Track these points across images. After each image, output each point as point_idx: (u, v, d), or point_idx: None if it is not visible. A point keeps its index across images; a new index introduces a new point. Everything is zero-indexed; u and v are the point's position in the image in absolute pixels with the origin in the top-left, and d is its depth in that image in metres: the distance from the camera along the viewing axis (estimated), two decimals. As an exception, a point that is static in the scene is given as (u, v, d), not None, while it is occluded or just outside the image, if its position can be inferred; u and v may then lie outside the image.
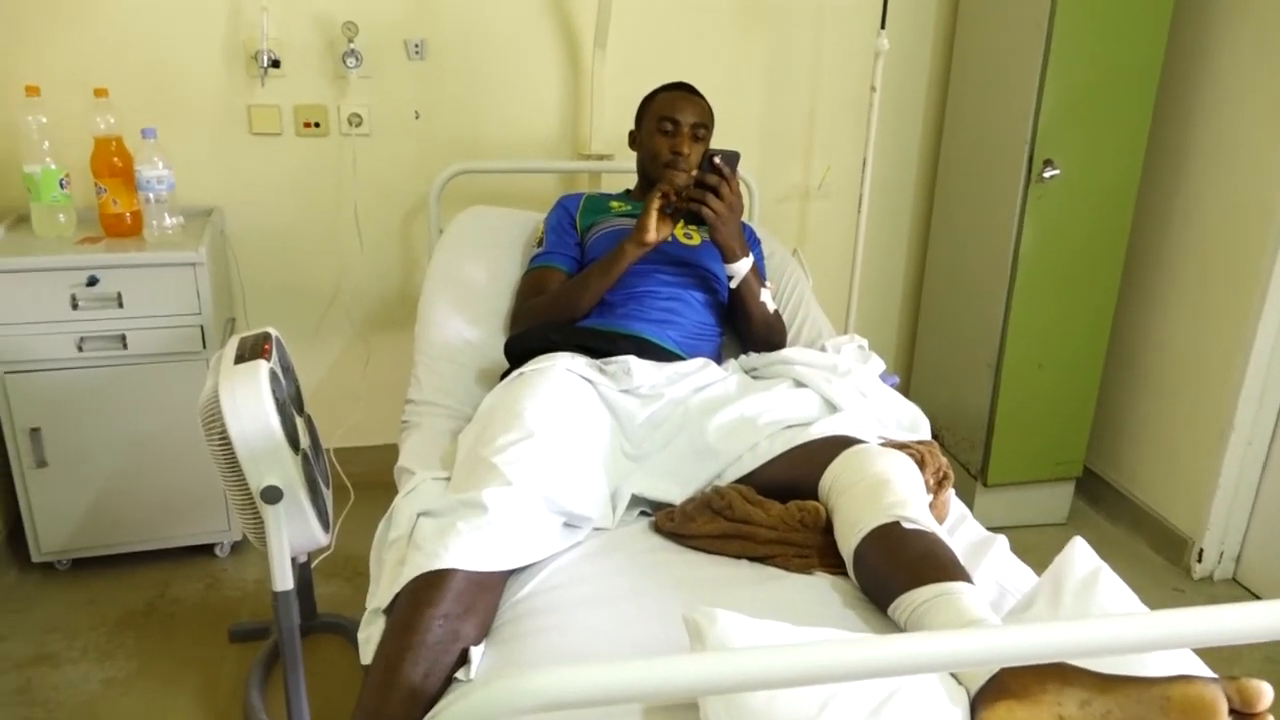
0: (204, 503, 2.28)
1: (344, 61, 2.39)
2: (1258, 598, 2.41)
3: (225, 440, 1.47)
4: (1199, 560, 2.49)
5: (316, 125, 2.47)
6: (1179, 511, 2.56)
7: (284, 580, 1.56)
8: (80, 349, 2.09)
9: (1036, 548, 1.96)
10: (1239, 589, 2.48)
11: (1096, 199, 2.45)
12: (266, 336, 1.65)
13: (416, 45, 2.46)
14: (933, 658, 0.75)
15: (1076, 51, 2.31)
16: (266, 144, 2.46)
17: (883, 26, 2.45)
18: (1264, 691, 0.97)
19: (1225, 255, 2.39)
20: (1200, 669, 1.11)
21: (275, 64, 2.36)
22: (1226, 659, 2.18)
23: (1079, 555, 1.26)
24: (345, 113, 2.47)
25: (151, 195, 2.14)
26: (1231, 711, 0.97)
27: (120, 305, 2.08)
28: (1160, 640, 0.80)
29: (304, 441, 1.66)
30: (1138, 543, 2.68)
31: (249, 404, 1.47)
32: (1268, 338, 2.29)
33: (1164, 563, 2.58)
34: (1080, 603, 1.18)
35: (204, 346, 2.16)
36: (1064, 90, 2.33)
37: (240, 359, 1.55)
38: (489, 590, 1.29)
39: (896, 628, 1.24)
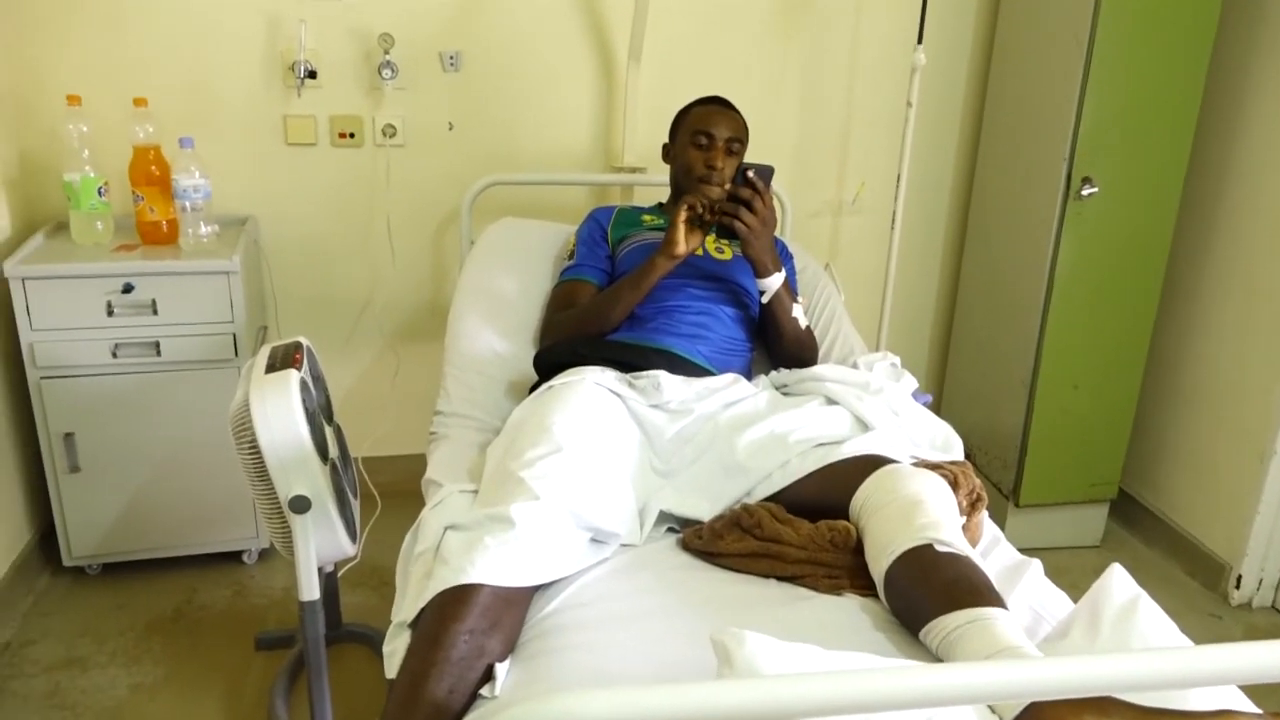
0: (233, 510, 2.29)
1: (380, 73, 2.40)
2: (1299, 627, 2.35)
3: (255, 449, 1.48)
4: (1237, 587, 2.44)
5: (351, 136, 2.48)
6: (1217, 536, 2.51)
7: (310, 590, 1.56)
8: (114, 355, 2.11)
9: (1069, 570, 1.93)
10: (1278, 617, 2.42)
11: (1135, 217, 2.41)
12: (298, 346, 1.66)
13: (452, 57, 2.47)
14: (969, 689, 0.73)
15: (1118, 68, 2.28)
16: (302, 154, 2.48)
17: (919, 41, 2.43)
18: (1310, 729, 0.94)
19: (1267, 275, 2.34)
20: (1244, 704, 1.08)
21: (312, 75, 2.38)
22: (1271, 690, 2.12)
23: (1117, 582, 1.23)
24: (380, 124, 2.48)
25: (188, 204, 2.16)
26: (1276, 749, 0.95)
27: (155, 312, 2.10)
28: (1204, 676, 0.77)
29: (333, 451, 1.66)
30: (1173, 567, 2.63)
31: (279, 413, 1.47)
32: (1311, 361, 2.24)
33: (1200, 588, 2.53)
34: (1119, 632, 1.15)
35: (236, 355, 2.17)
36: (1104, 107, 2.30)
37: (271, 368, 1.56)
38: (515, 606, 1.28)
39: (928, 652, 1.22)
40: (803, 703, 0.71)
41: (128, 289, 2.07)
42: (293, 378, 1.52)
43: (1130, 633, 1.15)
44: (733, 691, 0.70)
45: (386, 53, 2.39)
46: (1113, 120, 2.31)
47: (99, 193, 2.18)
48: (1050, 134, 2.40)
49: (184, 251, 2.18)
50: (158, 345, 2.13)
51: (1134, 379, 2.57)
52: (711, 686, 0.69)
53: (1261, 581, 2.44)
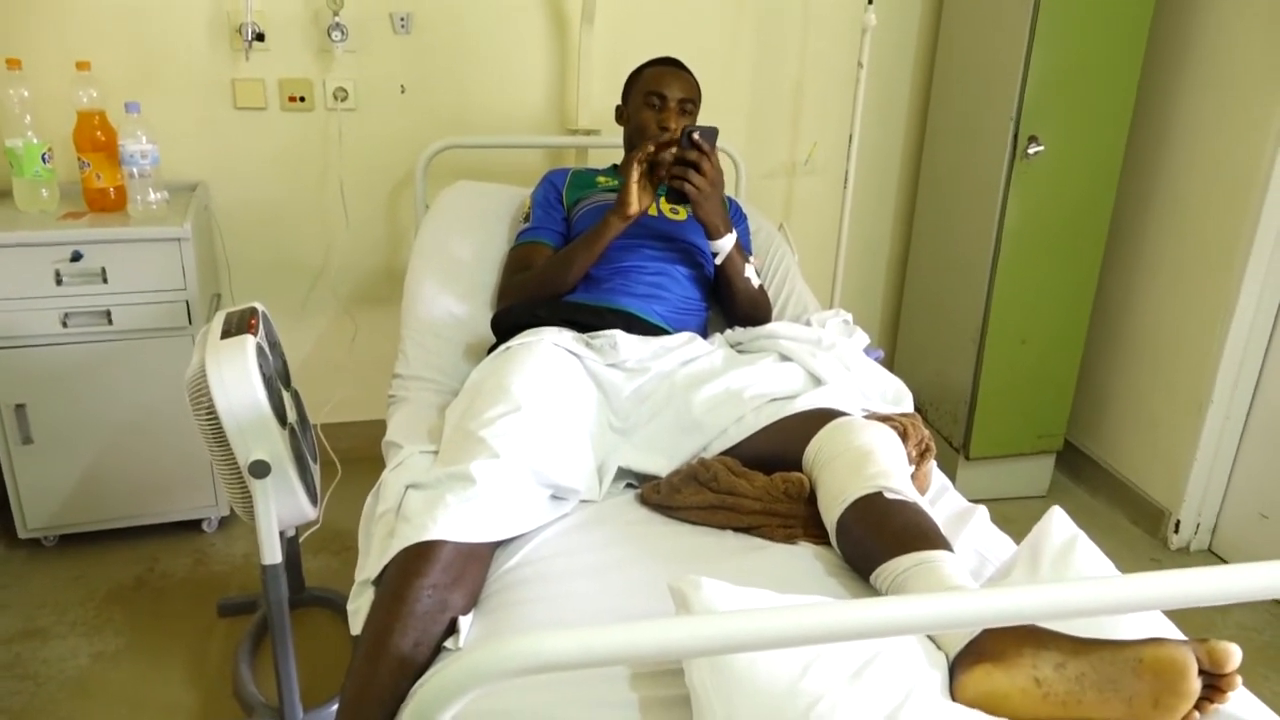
0: (192, 478, 2.29)
1: (329, 35, 2.37)
2: (1234, 568, 2.45)
3: (212, 415, 1.47)
4: (1176, 532, 2.53)
5: (302, 99, 2.45)
6: (1157, 484, 2.60)
7: (272, 554, 1.57)
8: (65, 325, 2.08)
9: (1018, 519, 1.99)
10: (1214, 559, 2.53)
11: (1080, 176, 2.46)
12: (253, 311, 1.65)
13: (402, 19, 2.45)
14: (911, 620, 0.77)
15: (1062, 28, 2.32)
16: (251, 118, 2.45)
17: (870, 2, 2.44)
18: (1232, 653, 1.00)
19: (1205, 231, 2.41)
20: (1172, 632, 1.14)
21: (260, 37, 2.35)
22: (1202, 626, 2.22)
23: (1056, 524, 1.28)
24: (331, 87, 2.46)
25: (135, 170, 2.13)
26: (1201, 672, 1.00)
27: (105, 281, 2.08)
28: (1132, 603, 0.82)
29: (291, 416, 1.67)
30: (1116, 515, 2.72)
31: (236, 378, 1.47)
32: (1246, 312, 2.32)
33: (1142, 534, 2.62)
34: (1057, 569, 1.20)
35: (190, 322, 2.16)
36: (1049, 67, 2.34)
37: (227, 334, 1.55)
38: (477, 561, 1.30)
39: (878, 595, 1.26)
40: (754, 637, 0.74)
41: (76, 257, 2.05)
42: (249, 342, 1.52)
43: (1068, 570, 1.20)
44: (686, 627, 0.72)
45: (336, 15, 2.36)
46: (1058, 81, 2.36)
47: (43, 159, 2.14)
48: (997, 94, 2.44)
49: (133, 218, 2.15)
50: (109, 314, 2.10)
51: (1079, 334, 2.64)
52: (664, 623, 0.72)
53: (1199, 526, 2.54)
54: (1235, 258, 2.31)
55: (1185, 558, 2.54)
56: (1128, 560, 2.48)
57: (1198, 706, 1.01)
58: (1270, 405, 2.36)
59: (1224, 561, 2.50)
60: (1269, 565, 0.81)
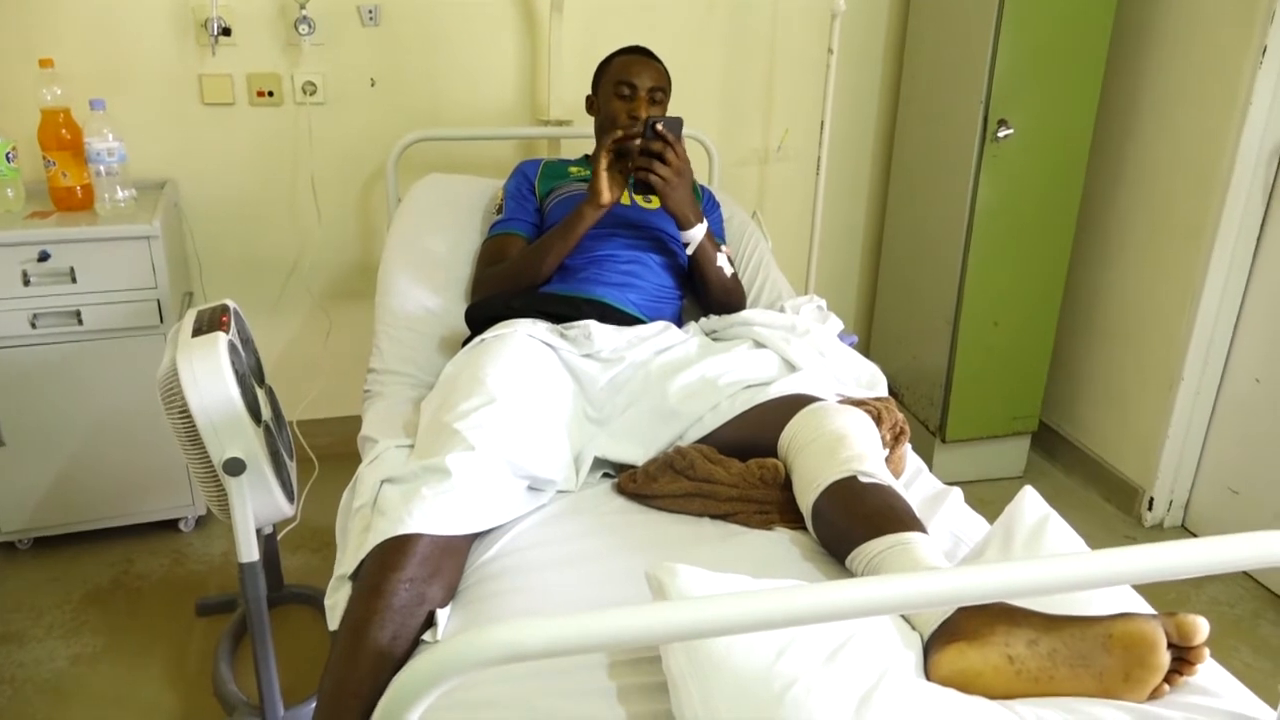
0: (166, 478, 2.27)
1: (296, 29, 2.35)
2: (1206, 544, 2.48)
3: (186, 413, 1.47)
4: (1149, 509, 2.57)
5: (270, 94, 2.43)
6: (1130, 462, 2.63)
7: (249, 552, 1.57)
8: (34, 326, 2.06)
9: (994, 501, 2.01)
10: (1187, 535, 2.56)
11: (1050, 158, 2.48)
12: (225, 309, 1.64)
13: (370, 11, 2.43)
14: (884, 601, 0.77)
15: (1029, 11, 2.33)
16: (219, 114, 2.43)
17: (838, -12, 2.45)
18: (1200, 626, 1.02)
19: (1173, 211, 2.44)
20: (1142, 607, 1.16)
21: (226, 32, 2.32)
22: (1175, 601, 2.25)
23: (1028, 503, 1.30)
24: (299, 81, 2.44)
25: (102, 168, 2.11)
26: (1170, 646, 1.02)
27: (73, 280, 2.06)
28: (1101, 578, 0.83)
29: (266, 413, 1.66)
30: (1091, 493, 2.75)
31: (208, 376, 1.46)
32: (1214, 290, 2.35)
33: (1116, 512, 2.66)
34: (1030, 548, 1.22)
35: (161, 321, 2.14)
36: (1017, 50, 2.35)
37: (198, 331, 1.54)
38: (454, 554, 1.30)
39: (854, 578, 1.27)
40: (730, 621, 0.75)
41: (44, 257, 2.02)
42: (221, 340, 1.51)
43: (1040, 548, 1.22)
44: (660, 613, 0.73)
45: (303, 8, 2.34)
46: (1026, 64, 2.37)
47: (7, 158, 2.11)
48: (967, 78, 2.45)
49: (101, 217, 2.13)
50: (79, 314, 2.08)
51: (1051, 315, 2.66)
52: (640, 610, 0.72)
53: (1171, 503, 2.57)
54: (1203, 237, 2.34)
55: (1159, 534, 2.57)
56: (1103, 538, 2.51)
57: (1167, 679, 1.03)
58: (1239, 382, 2.40)
59: (1197, 536, 2.53)
60: (1234, 538, 0.83)
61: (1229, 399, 2.43)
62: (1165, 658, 1.01)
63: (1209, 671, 1.08)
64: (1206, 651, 1.04)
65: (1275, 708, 0.98)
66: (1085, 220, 2.66)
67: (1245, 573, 2.37)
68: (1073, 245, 2.60)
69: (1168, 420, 2.47)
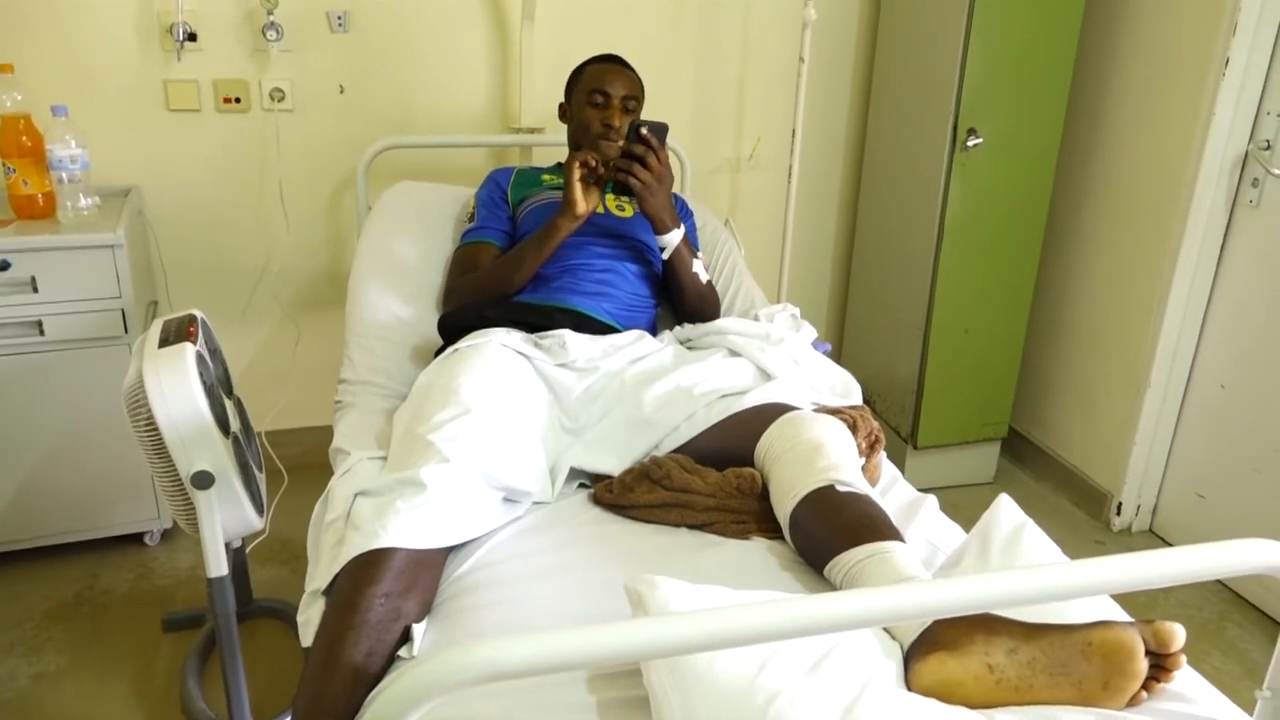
0: (132, 491, 2.23)
1: (264, 34, 2.32)
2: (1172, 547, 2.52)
3: (152, 426, 1.44)
4: (1118, 514, 2.60)
5: (237, 101, 2.40)
6: (1099, 467, 2.66)
7: (218, 566, 1.54)
8: (-6, 336, 2.02)
9: (966, 506, 2.03)
10: (1155, 539, 2.59)
11: (1018, 167, 2.51)
12: (192, 319, 1.62)
13: (339, 17, 2.40)
14: (865, 613, 0.77)
15: (997, 21, 2.35)
16: (185, 120, 2.39)
17: (809, -3, 2.46)
18: (1177, 633, 1.02)
19: (1139, 220, 2.47)
20: (1119, 615, 1.17)
21: (192, 37, 2.29)
22: (1145, 606, 2.28)
23: (1005, 512, 1.30)
24: (267, 87, 2.41)
25: (64, 175, 2.07)
26: (1148, 653, 1.02)
27: (35, 290, 2.01)
28: (1079, 589, 0.83)
29: (234, 425, 1.63)
30: (1060, 498, 2.78)
31: (175, 388, 1.43)
32: (1179, 297, 2.38)
33: (1085, 517, 2.68)
34: (1006, 557, 1.22)
35: (126, 331, 2.10)
36: (986, 60, 2.38)
37: (165, 342, 1.52)
38: (430, 567, 1.29)
39: (833, 588, 1.27)
40: (713, 636, 0.74)
41: (4, 266, 1.98)
42: (188, 350, 1.48)
43: (1017, 557, 1.22)
44: (641, 630, 0.72)
45: (270, 13, 2.31)
46: (995, 73, 2.40)
47: (-35, 165, 2.07)
48: (936, 87, 2.47)
49: (63, 225, 2.09)
50: (40, 324, 2.04)
51: (1021, 322, 2.69)
52: (621, 627, 0.72)
53: (1139, 507, 2.60)
54: (1168, 244, 2.37)
55: (1127, 539, 2.60)
56: (1072, 542, 2.53)
57: (1145, 686, 1.04)
58: (1204, 388, 2.43)
59: (1165, 541, 2.57)
60: (1207, 547, 0.84)
61: (1195, 405, 2.47)
62: (1143, 665, 1.02)
63: (1185, 678, 1.09)
64: (1184, 658, 1.05)
65: (1250, 713, 0.98)
66: (1053, 228, 2.69)
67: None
68: (1041, 253, 2.63)
69: (1135, 426, 2.51)
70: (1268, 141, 2.22)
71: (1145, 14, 2.42)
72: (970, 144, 2.43)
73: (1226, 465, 2.37)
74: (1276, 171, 2.19)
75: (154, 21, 2.29)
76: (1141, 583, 0.83)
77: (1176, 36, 2.33)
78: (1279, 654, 0.91)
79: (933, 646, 1.06)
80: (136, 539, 2.32)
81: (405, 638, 1.21)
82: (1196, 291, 2.39)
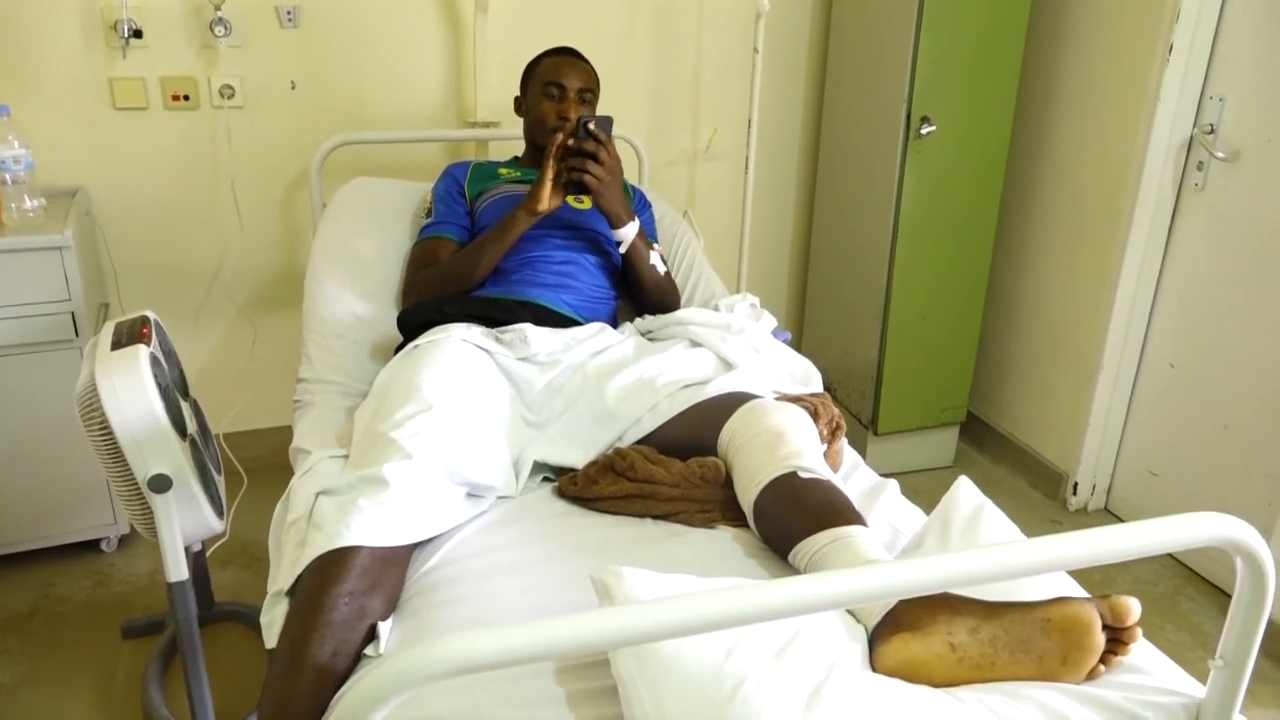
0: (87, 497, 2.19)
1: (212, 30, 2.29)
2: (1128, 525, 2.57)
3: (106, 430, 1.41)
4: (1074, 493, 2.65)
5: (186, 98, 2.36)
6: (1055, 449, 2.71)
7: (178, 570, 1.52)
8: (-61, 342, 1.97)
9: (926, 490, 2.05)
10: (1110, 518, 2.65)
11: (971, 154, 2.54)
12: (145, 320, 1.59)
13: (289, 13, 2.37)
14: (828, 596, 0.78)
15: (948, 9, 2.38)
16: (132, 119, 2.35)
17: (762, -12, 2.47)
18: (1132, 607, 1.05)
19: (1089, 205, 2.52)
20: (1076, 591, 1.19)
21: (137, 34, 2.25)
22: (1100, 583, 2.33)
23: (964, 494, 1.32)
24: (216, 84, 2.37)
25: (8, 176, 2.02)
26: (1105, 627, 1.05)
27: (-20, 294, 1.97)
28: (1036, 565, 0.85)
29: (191, 427, 1.61)
30: (1018, 480, 2.83)
31: (129, 390, 1.41)
32: (1130, 280, 2.43)
33: (1042, 498, 2.73)
34: (966, 538, 1.24)
35: (76, 334, 2.06)
36: (937, 49, 2.40)
37: (117, 345, 1.49)
38: (395, 565, 1.28)
39: (797, 573, 1.28)
40: (679, 623, 0.75)
41: (-53, 270, 1.93)
42: (142, 352, 1.46)
43: (977, 537, 1.24)
44: (606, 619, 0.73)
45: (218, 9, 2.28)
46: (946, 62, 2.42)
47: (-96, 168, 2.01)
48: (889, 76, 2.49)
49: (8, 228, 2.04)
50: (-13, 329, 2.00)
51: (976, 308, 2.72)
52: (586, 617, 0.72)
53: (1094, 487, 2.65)
54: (1118, 229, 2.41)
55: (1084, 518, 2.65)
56: (1030, 523, 2.58)
57: (1103, 660, 1.06)
58: (1154, 369, 2.48)
59: (1119, 519, 2.62)
60: (1159, 522, 0.86)
61: (1146, 385, 2.52)
62: (1101, 639, 1.04)
63: (1141, 650, 1.11)
64: (1139, 631, 1.07)
65: (1204, 682, 1.01)
66: (1006, 215, 2.73)
67: (1168, 553, 2.45)
68: (995, 239, 2.67)
69: (1089, 407, 2.55)
70: (1211, 125, 2.27)
71: (1092, 2, 2.46)
72: (924, 132, 2.46)
73: (1177, 443, 2.43)
74: (1221, 155, 2.24)
75: (98, 18, 2.24)
76: (1097, 558, 0.85)
77: (1122, 24, 2.37)
78: (1229, 624, 0.93)
79: (896, 628, 1.08)
80: (93, 546, 2.28)
81: (371, 636, 1.20)
82: (1146, 274, 2.44)
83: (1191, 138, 2.32)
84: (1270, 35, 2.11)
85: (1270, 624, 2.06)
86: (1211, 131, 2.27)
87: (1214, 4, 2.21)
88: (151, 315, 1.62)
